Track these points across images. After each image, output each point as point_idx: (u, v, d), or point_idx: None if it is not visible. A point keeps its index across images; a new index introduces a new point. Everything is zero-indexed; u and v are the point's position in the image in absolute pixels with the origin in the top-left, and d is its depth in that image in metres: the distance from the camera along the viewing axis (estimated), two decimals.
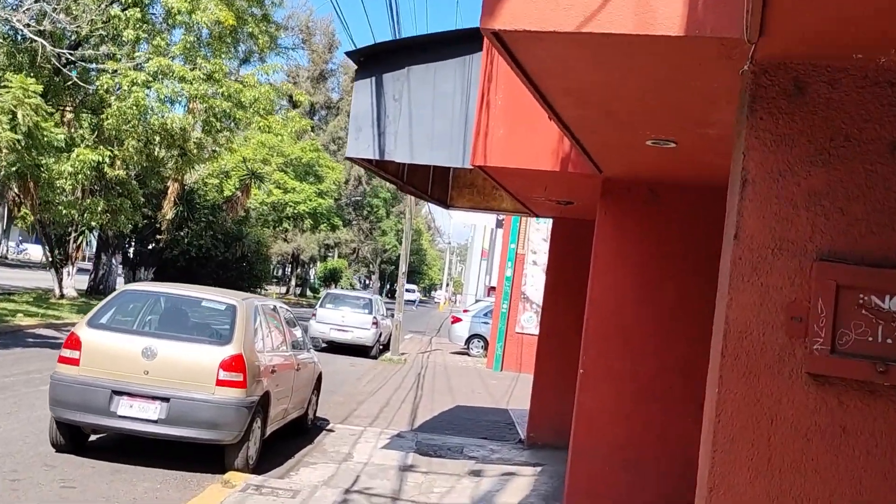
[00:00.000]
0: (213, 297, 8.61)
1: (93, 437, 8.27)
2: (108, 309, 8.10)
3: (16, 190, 22.06)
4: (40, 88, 16.76)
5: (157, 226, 30.05)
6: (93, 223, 23.68)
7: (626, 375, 6.94)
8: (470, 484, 8.58)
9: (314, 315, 22.70)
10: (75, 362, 7.55)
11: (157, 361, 7.51)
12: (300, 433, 10.11)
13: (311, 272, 64.82)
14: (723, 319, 3.31)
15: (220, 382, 7.51)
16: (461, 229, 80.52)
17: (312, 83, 58.50)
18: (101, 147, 19.90)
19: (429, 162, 7.90)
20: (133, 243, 31.83)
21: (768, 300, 3.24)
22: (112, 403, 7.40)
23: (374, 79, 7.41)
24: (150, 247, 32.09)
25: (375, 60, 7.46)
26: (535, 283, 22.10)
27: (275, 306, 9.84)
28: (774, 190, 3.27)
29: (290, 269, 59.26)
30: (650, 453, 6.93)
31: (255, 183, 38.10)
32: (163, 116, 20.17)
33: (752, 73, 3.31)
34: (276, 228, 45.77)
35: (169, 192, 29.23)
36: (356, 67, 7.49)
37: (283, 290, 56.34)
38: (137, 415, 7.41)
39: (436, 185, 10.46)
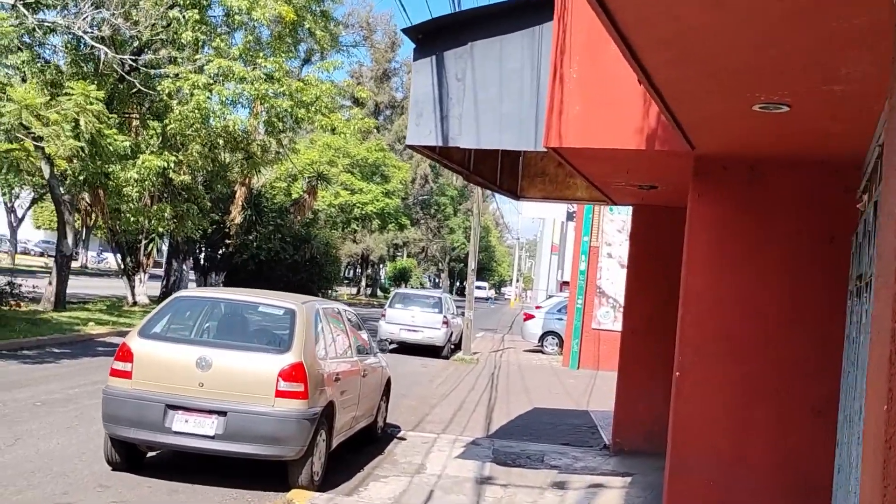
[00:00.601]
0: (271, 301, 8.05)
1: (150, 454, 7.83)
2: (160, 318, 7.61)
3: (87, 199, 22.23)
4: (102, 95, 16.64)
5: (226, 230, 30.07)
6: (161, 229, 23.71)
7: (730, 379, 6.12)
8: (554, 498, 7.86)
9: (383, 315, 22.24)
10: (127, 375, 7.09)
11: (213, 373, 6.99)
12: (370, 442, 9.54)
13: (381, 272, 64.78)
14: (889, 317, 2.54)
15: (279, 393, 6.95)
16: (529, 224, 79.45)
17: (376, 83, 58.38)
18: (166, 153, 19.82)
19: (497, 146, 7.21)
20: (203, 249, 31.93)
21: None
22: (166, 418, 6.91)
23: (434, 58, 6.75)
24: (220, 252, 32.16)
25: (435, 37, 6.79)
26: (610, 277, 21.22)
27: (338, 309, 9.27)
28: None
29: (359, 270, 59.30)
30: (761, 466, 6.10)
31: (321, 185, 37.98)
32: (224, 119, 19.99)
33: None
34: (344, 230, 45.72)
35: (236, 196, 29.25)
36: (415, 46, 6.84)
37: (354, 290, 56.39)
38: (193, 430, 6.89)
39: (505, 174, 9.73)
